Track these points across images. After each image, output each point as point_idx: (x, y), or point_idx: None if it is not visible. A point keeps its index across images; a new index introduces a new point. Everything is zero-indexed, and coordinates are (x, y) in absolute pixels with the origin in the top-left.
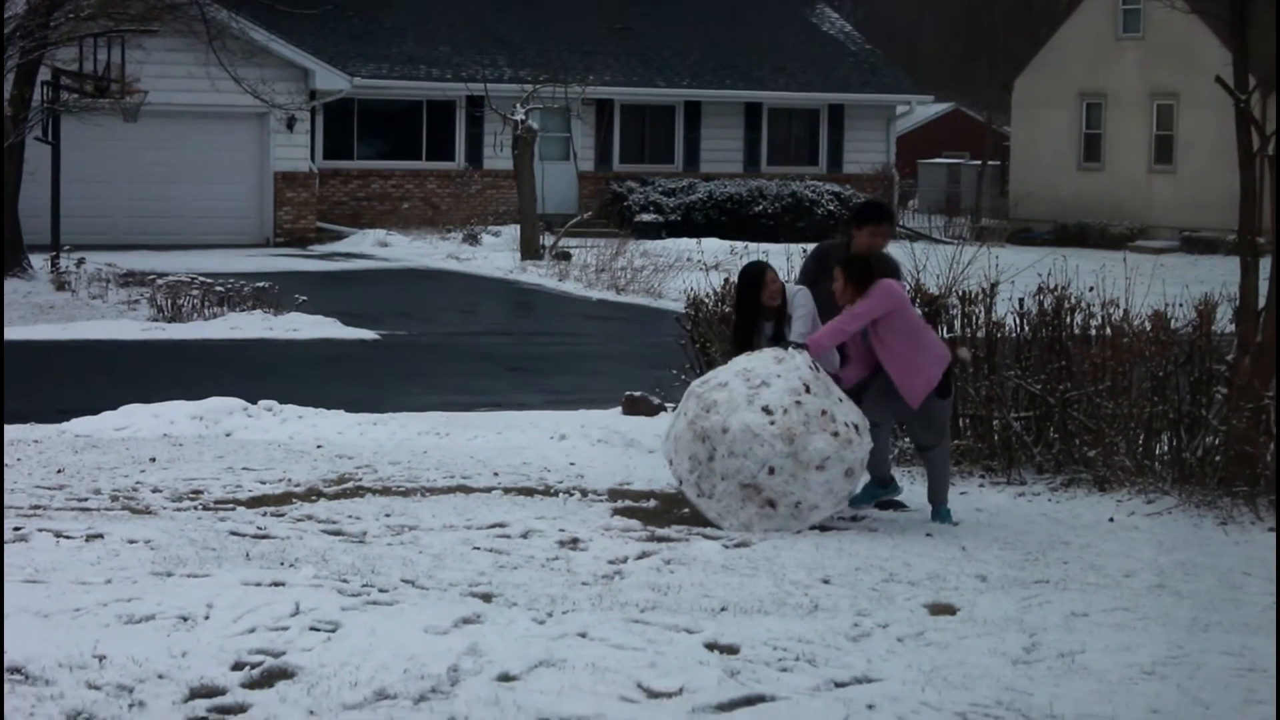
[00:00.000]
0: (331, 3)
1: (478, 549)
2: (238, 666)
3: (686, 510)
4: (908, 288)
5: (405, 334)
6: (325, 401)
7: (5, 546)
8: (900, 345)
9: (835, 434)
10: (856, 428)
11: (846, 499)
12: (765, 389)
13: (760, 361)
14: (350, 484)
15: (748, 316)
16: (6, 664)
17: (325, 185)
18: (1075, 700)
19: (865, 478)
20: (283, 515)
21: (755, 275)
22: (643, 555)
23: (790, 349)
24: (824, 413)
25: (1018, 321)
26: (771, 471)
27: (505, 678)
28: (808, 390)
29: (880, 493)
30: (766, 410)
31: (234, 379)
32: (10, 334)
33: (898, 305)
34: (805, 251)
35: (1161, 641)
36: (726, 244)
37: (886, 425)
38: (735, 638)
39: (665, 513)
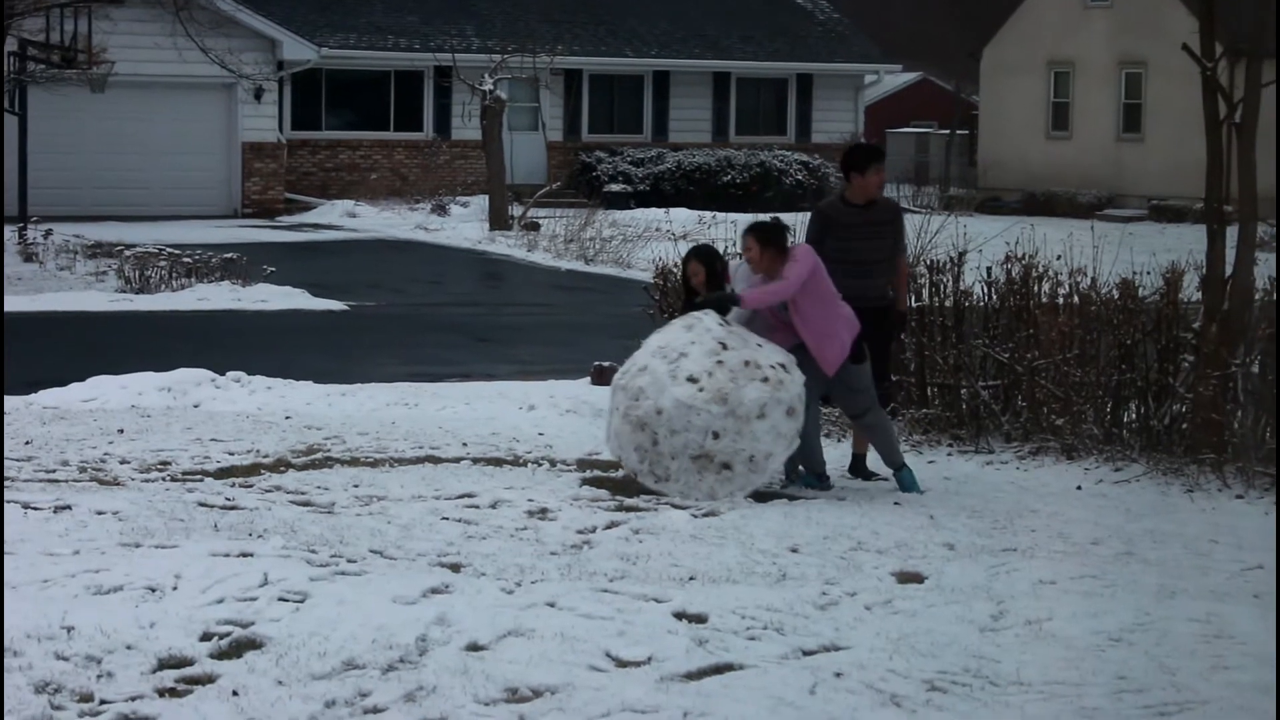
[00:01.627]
0: None
1: (446, 519)
2: (206, 637)
3: None
4: None
5: (374, 305)
6: (294, 372)
7: None
8: (815, 311)
9: (765, 379)
10: (784, 366)
11: (797, 436)
12: (684, 360)
13: (671, 334)
14: (319, 455)
15: (687, 294)
16: None
17: (293, 156)
18: (1042, 667)
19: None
20: (251, 486)
21: (683, 263)
22: (611, 525)
23: (698, 312)
24: (747, 363)
25: (986, 290)
26: (716, 436)
27: (474, 647)
28: (725, 347)
29: (816, 483)
30: (692, 379)
31: (202, 350)
32: None
33: (819, 268)
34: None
35: (1129, 608)
36: (695, 214)
37: (814, 406)
38: (703, 607)
39: (633, 483)
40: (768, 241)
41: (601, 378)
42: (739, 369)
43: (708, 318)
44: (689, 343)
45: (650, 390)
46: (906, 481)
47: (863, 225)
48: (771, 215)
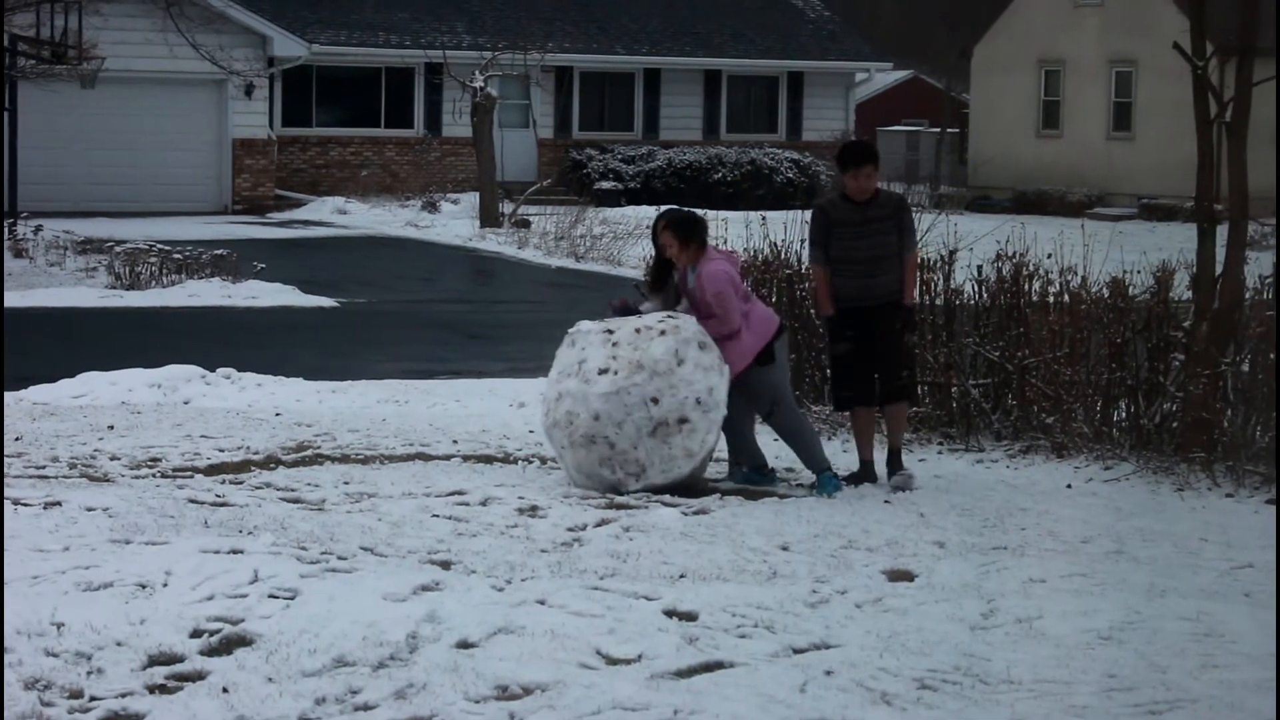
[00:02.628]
0: None
1: (436, 516)
2: (196, 634)
3: None
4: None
5: (364, 302)
6: (284, 369)
7: None
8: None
9: (663, 332)
10: (670, 315)
11: (724, 363)
12: (586, 363)
13: (563, 358)
14: (309, 452)
15: (656, 261)
16: None
17: (284, 152)
18: (1032, 665)
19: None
20: (241, 483)
21: (654, 225)
22: (602, 522)
23: (572, 328)
24: (638, 330)
25: (976, 289)
26: (656, 401)
27: (464, 645)
28: (611, 332)
29: (758, 478)
30: (603, 371)
31: (192, 346)
32: None
33: (736, 275)
34: (765, 219)
35: (1119, 607)
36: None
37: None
38: (694, 604)
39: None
40: (689, 238)
41: None
42: (634, 338)
43: (583, 323)
44: (581, 350)
45: (577, 407)
46: (825, 483)
47: (862, 223)
48: (685, 208)
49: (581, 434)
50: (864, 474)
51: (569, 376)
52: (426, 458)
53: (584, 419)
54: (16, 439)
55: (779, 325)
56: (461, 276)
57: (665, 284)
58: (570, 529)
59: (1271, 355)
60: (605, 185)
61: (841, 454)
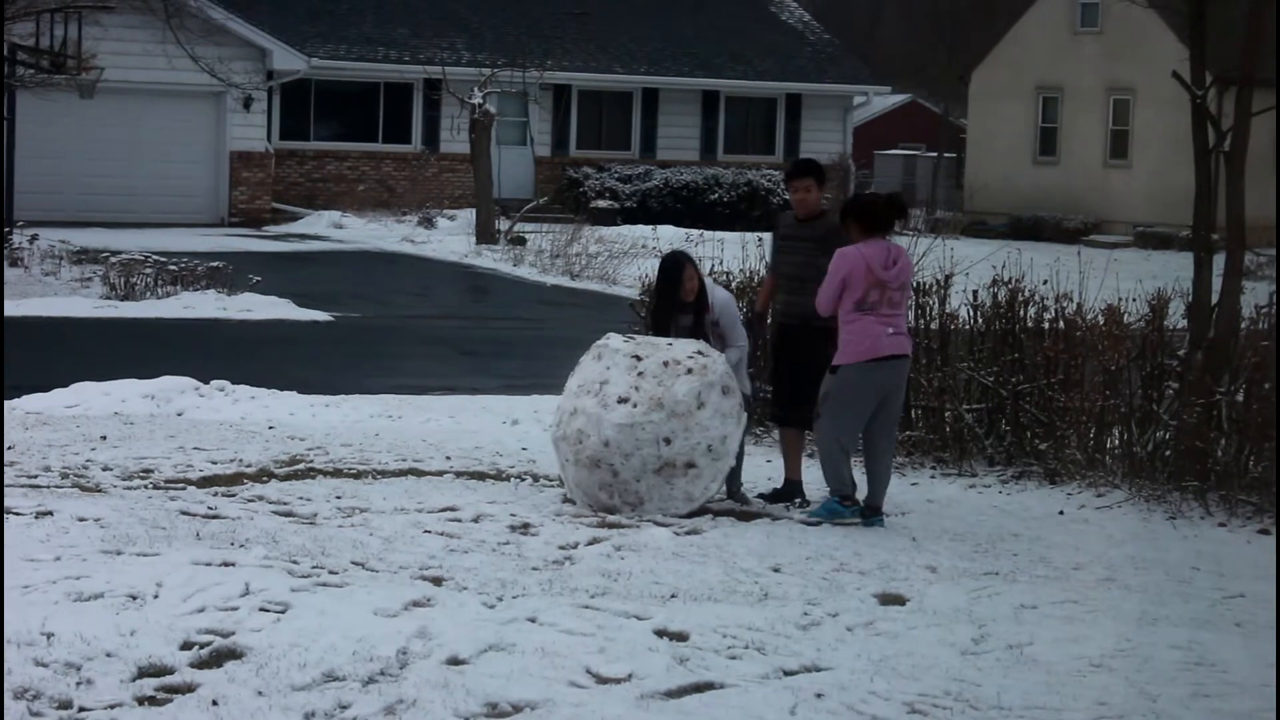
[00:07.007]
0: None
1: (428, 532)
2: (186, 646)
3: None
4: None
5: (359, 316)
6: (278, 382)
7: None
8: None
9: (689, 370)
10: (701, 353)
11: (743, 411)
12: (608, 386)
13: (586, 370)
14: (302, 465)
15: (664, 307)
16: None
17: (281, 166)
18: (1023, 691)
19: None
20: (233, 495)
21: (673, 268)
22: (593, 541)
23: (601, 339)
24: (666, 363)
25: (971, 314)
26: (668, 441)
27: (454, 661)
28: (639, 359)
29: (840, 509)
30: (622, 400)
31: (186, 358)
32: None
33: (856, 269)
34: (761, 240)
35: (1110, 634)
36: (682, 231)
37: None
38: (685, 625)
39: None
40: (860, 218)
41: None
42: (661, 372)
43: (613, 339)
44: (605, 369)
45: (589, 428)
46: (827, 507)
47: (794, 239)
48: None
49: (588, 455)
50: (787, 491)
51: (588, 394)
52: (419, 473)
53: (593, 442)
54: (9, 448)
55: (875, 356)
56: (457, 293)
57: (666, 329)
58: (562, 547)
59: (1266, 385)
60: (601, 204)
61: (770, 467)
